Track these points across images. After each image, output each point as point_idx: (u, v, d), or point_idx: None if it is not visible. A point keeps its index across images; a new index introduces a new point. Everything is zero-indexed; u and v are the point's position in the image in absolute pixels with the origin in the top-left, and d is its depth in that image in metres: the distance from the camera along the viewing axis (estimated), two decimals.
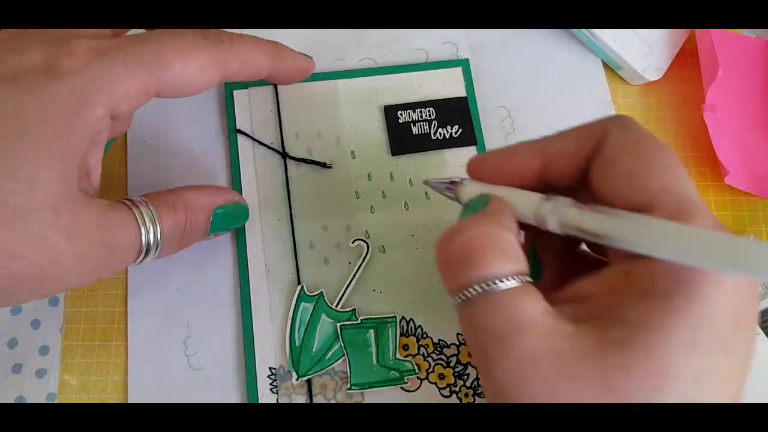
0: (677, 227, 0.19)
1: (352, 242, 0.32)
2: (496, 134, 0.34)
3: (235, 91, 0.34)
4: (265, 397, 0.30)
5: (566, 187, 0.24)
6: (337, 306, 0.31)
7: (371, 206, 0.33)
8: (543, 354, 0.20)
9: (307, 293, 0.31)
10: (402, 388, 0.30)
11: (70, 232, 0.23)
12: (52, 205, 0.22)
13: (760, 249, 0.16)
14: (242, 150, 0.33)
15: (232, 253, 0.32)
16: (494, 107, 0.35)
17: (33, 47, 0.23)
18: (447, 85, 0.35)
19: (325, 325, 0.31)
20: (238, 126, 0.33)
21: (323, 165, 0.33)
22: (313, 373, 0.30)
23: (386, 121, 0.34)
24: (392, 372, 0.30)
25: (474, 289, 0.21)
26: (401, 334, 0.31)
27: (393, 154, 0.33)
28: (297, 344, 0.30)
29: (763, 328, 0.27)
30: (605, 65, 0.36)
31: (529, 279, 0.21)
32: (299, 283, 0.31)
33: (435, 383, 0.30)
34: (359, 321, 0.31)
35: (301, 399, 0.30)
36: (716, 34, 0.35)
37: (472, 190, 0.25)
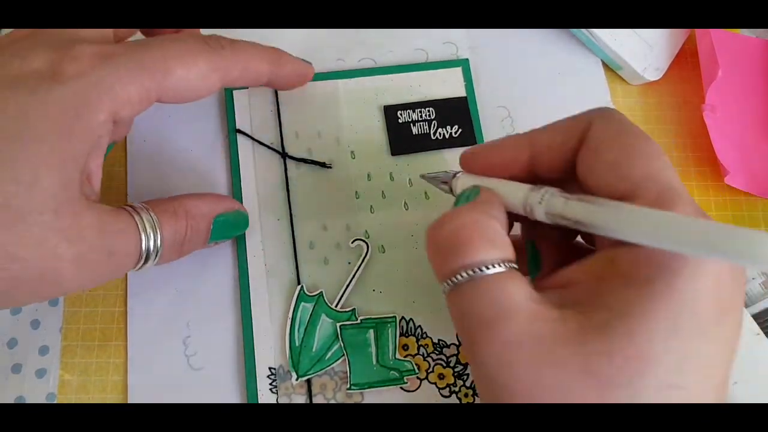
0: (657, 214, 0.19)
1: (352, 242, 0.32)
2: (495, 134, 0.34)
3: (235, 92, 0.34)
4: (265, 397, 0.30)
5: (555, 178, 0.24)
6: (336, 306, 0.31)
7: (371, 206, 0.33)
8: (527, 338, 0.20)
9: (307, 293, 0.31)
10: (402, 388, 0.30)
11: (70, 235, 0.23)
12: (52, 208, 0.22)
13: (739, 234, 0.17)
14: (242, 150, 0.33)
15: (231, 254, 0.32)
16: (494, 107, 0.35)
17: (37, 52, 0.23)
18: (447, 85, 0.35)
19: (324, 325, 0.31)
20: (238, 126, 0.33)
21: (323, 165, 0.33)
22: (312, 373, 0.30)
23: (386, 121, 0.34)
24: (392, 372, 0.30)
25: (461, 275, 0.21)
26: (401, 334, 0.31)
27: (393, 154, 0.33)
28: (297, 344, 0.30)
29: (762, 328, 0.27)
30: (605, 65, 0.36)
31: (514, 266, 0.22)
32: (299, 283, 0.31)
33: (435, 383, 0.30)
34: (359, 321, 0.31)
35: (300, 399, 0.30)
36: (716, 34, 0.35)
37: (464, 182, 0.26)
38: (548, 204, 0.22)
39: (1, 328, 0.31)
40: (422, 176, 0.29)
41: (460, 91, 0.35)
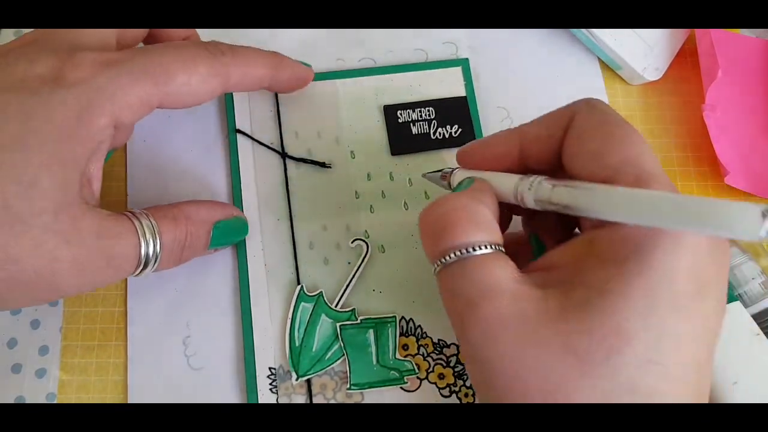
0: (634, 191, 0.20)
1: (352, 242, 0.32)
2: None
3: (234, 92, 0.34)
4: (265, 397, 0.30)
5: (546, 169, 0.25)
6: (336, 306, 0.31)
7: (371, 206, 0.33)
8: (511, 317, 0.21)
9: (307, 293, 0.31)
10: (402, 388, 0.30)
11: (69, 238, 0.23)
12: (52, 210, 0.22)
13: (714, 205, 0.17)
14: (242, 150, 0.33)
15: (231, 254, 0.32)
16: (494, 107, 0.35)
17: (41, 57, 0.24)
18: (446, 84, 0.35)
19: (324, 325, 0.31)
20: (238, 126, 0.33)
21: (323, 165, 0.33)
22: (312, 373, 0.30)
23: (386, 121, 0.34)
24: (392, 372, 0.30)
25: (450, 256, 0.23)
26: (401, 334, 0.31)
27: (393, 154, 0.33)
28: (297, 344, 0.30)
29: (762, 329, 0.27)
30: (605, 65, 0.36)
31: (501, 248, 0.23)
32: (299, 283, 0.31)
33: (435, 383, 0.30)
34: (359, 321, 0.31)
35: (300, 399, 0.30)
36: (716, 34, 0.35)
37: (461, 176, 0.27)
38: (536, 191, 0.23)
39: (1, 328, 0.31)
40: (423, 175, 0.30)
41: (459, 91, 0.35)
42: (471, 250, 0.22)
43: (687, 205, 0.18)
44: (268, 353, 0.30)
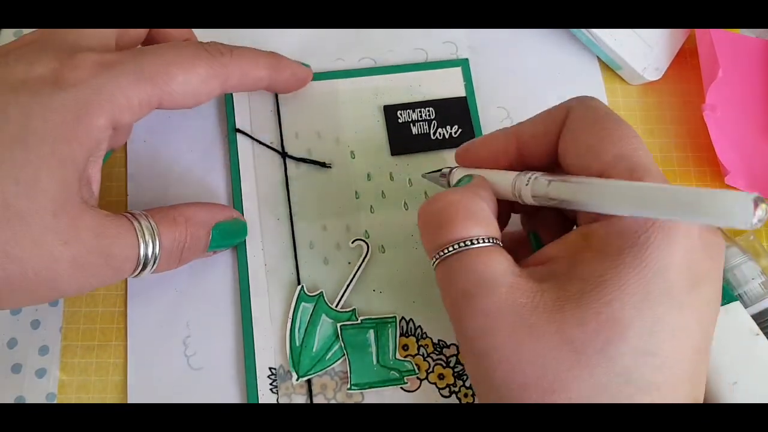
0: (627, 183, 0.20)
1: (352, 242, 0.32)
2: None
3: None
4: (265, 397, 0.30)
5: (543, 166, 0.25)
6: (336, 306, 0.31)
7: (371, 206, 0.33)
8: (507, 309, 0.21)
9: (307, 293, 0.31)
10: (402, 388, 0.30)
11: (68, 238, 0.23)
12: (51, 209, 0.23)
13: (705, 194, 0.18)
14: (242, 149, 0.33)
15: (231, 254, 0.32)
16: (494, 107, 0.35)
17: (41, 58, 0.24)
18: (446, 85, 0.35)
19: (325, 326, 0.31)
20: (238, 125, 0.33)
21: (323, 165, 0.33)
22: (313, 373, 0.30)
23: (386, 121, 0.34)
24: (392, 372, 0.30)
25: (448, 249, 0.23)
26: (401, 335, 0.31)
27: (392, 154, 0.33)
28: (297, 344, 0.30)
29: (762, 329, 0.27)
30: (605, 65, 0.36)
31: (499, 242, 0.24)
32: (299, 283, 0.31)
33: (435, 383, 0.30)
34: (359, 321, 0.31)
35: (301, 399, 0.30)
36: (716, 34, 0.35)
37: (460, 174, 0.27)
38: (534, 186, 0.23)
39: (1, 328, 0.31)
40: (423, 175, 0.31)
41: (459, 91, 0.35)
42: (469, 243, 0.23)
43: (681, 195, 0.18)
44: (269, 353, 0.30)
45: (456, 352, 0.31)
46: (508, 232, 0.30)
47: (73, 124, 0.23)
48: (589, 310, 0.20)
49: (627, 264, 0.21)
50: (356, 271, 0.31)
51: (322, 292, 0.31)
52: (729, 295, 0.27)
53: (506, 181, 0.25)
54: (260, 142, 0.33)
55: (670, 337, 0.20)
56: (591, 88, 0.36)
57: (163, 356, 0.30)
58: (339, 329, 0.30)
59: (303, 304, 0.31)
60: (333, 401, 0.30)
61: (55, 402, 0.30)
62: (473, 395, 0.30)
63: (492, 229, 0.24)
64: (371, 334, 0.30)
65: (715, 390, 0.25)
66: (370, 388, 0.30)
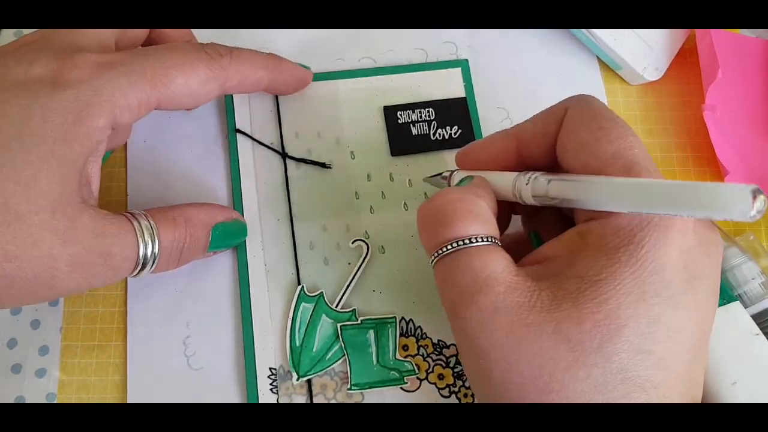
0: (624, 180, 0.21)
1: (352, 243, 0.32)
2: None
3: None
4: (265, 397, 0.30)
5: (543, 166, 0.25)
6: (337, 306, 0.31)
7: (371, 207, 0.33)
8: (504, 307, 0.21)
9: (308, 293, 0.31)
10: (402, 388, 0.30)
11: (66, 237, 0.23)
12: (49, 209, 0.23)
13: (700, 188, 0.18)
14: (242, 150, 0.33)
15: (231, 254, 0.32)
16: (493, 108, 0.35)
17: (40, 58, 0.24)
18: (446, 85, 0.35)
19: (325, 326, 0.31)
20: (238, 126, 0.33)
21: (323, 165, 0.33)
22: (313, 374, 0.30)
23: (386, 122, 0.34)
24: (392, 372, 0.30)
25: (447, 247, 0.23)
26: (401, 335, 0.31)
27: (392, 155, 0.33)
28: (297, 344, 0.30)
29: (762, 329, 0.27)
30: (605, 65, 0.36)
31: (497, 242, 0.24)
32: (299, 284, 0.31)
33: (434, 383, 0.30)
34: (359, 321, 0.31)
35: (301, 399, 0.30)
36: (716, 34, 0.35)
37: (460, 176, 0.27)
38: (534, 186, 0.23)
39: (1, 328, 0.31)
40: (425, 179, 0.31)
41: (459, 92, 0.35)
42: (467, 241, 0.23)
43: (678, 189, 0.18)
44: (269, 353, 0.30)
45: (456, 353, 0.31)
46: (509, 233, 0.30)
47: (72, 124, 0.23)
48: (586, 309, 0.21)
49: (623, 263, 0.21)
50: (356, 272, 0.31)
51: (322, 292, 0.31)
52: (729, 295, 0.27)
53: (506, 181, 0.25)
54: (260, 143, 0.33)
55: (665, 337, 0.21)
56: (591, 88, 0.36)
57: (162, 356, 0.30)
58: (339, 329, 0.30)
59: (303, 304, 0.31)
60: (333, 401, 0.30)
61: (55, 402, 0.30)
62: (473, 395, 0.30)
63: (491, 228, 0.24)
64: (371, 334, 0.30)
65: (714, 390, 0.25)
66: (370, 388, 0.30)
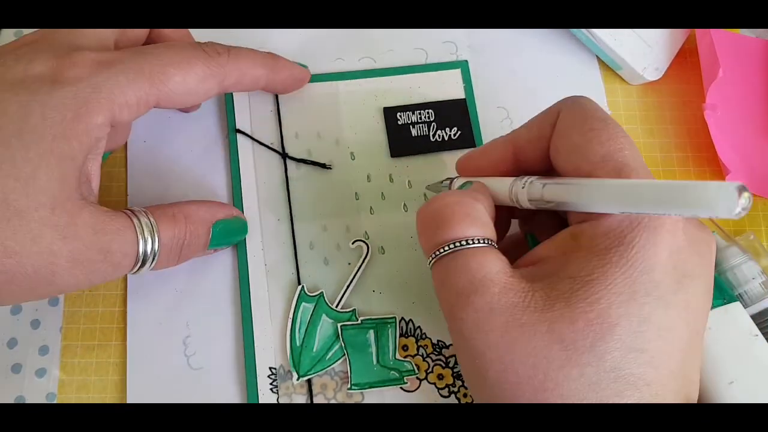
0: (614, 182, 0.21)
1: (352, 243, 0.32)
2: (494, 135, 0.34)
3: (234, 92, 0.34)
4: (266, 396, 0.30)
5: (541, 171, 0.25)
6: (337, 306, 0.31)
7: (371, 207, 0.33)
8: (500, 307, 0.22)
9: (308, 293, 0.31)
10: (402, 388, 0.30)
11: (66, 233, 0.23)
12: (49, 205, 0.23)
13: (688, 187, 0.18)
14: (242, 150, 0.33)
15: (231, 254, 0.32)
16: (493, 107, 0.35)
17: (40, 57, 0.24)
18: (446, 87, 0.35)
19: (325, 326, 0.31)
20: (238, 126, 0.33)
21: (323, 166, 0.33)
22: (313, 373, 0.30)
23: (386, 123, 0.34)
24: (392, 372, 0.30)
25: (444, 249, 0.24)
26: (401, 335, 0.31)
27: (392, 156, 0.33)
28: (297, 344, 0.30)
29: (762, 328, 0.27)
30: (605, 65, 0.36)
31: (494, 244, 0.24)
32: (299, 284, 0.31)
33: (434, 383, 0.30)
34: (359, 321, 0.31)
35: (301, 399, 0.30)
36: (716, 34, 0.35)
37: (460, 183, 0.28)
38: (529, 190, 0.24)
39: (1, 327, 0.31)
40: (427, 187, 0.32)
41: (459, 93, 0.35)
42: (464, 243, 0.23)
43: (664, 189, 0.19)
44: (269, 353, 0.30)
45: (455, 353, 0.31)
46: (508, 235, 0.30)
47: (71, 121, 0.23)
48: (578, 309, 0.21)
49: (613, 263, 0.21)
50: (356, 272, 0.31)
51: (322, 292, 0.31)
52: (729, 295, 0.27)
53: (504, 186, 0.25)
54: (260, 143, 0.33)
55: (656, 336, 0.21)
56: (591, 88, 0.36)
57: (162, 356, 0.30)
58: (339, 329, 0.30)
59: (303, 304, 0.31)
60: (333, 401, 0.30)
61: (55, 402, 0.30)
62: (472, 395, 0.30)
63: (488, 230, 0.24)
64: (371, 334, 0.30)
65: (711, 389, 0.26)
66: (370, 388, 0.30)
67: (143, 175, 0.33)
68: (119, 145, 0.33)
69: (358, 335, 0.30)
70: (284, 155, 0.33)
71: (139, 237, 0.25)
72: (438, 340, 0.31)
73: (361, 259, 0.32)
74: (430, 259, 0.24)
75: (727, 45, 0.35)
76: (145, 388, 0.30)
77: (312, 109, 0.34)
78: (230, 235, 0.30)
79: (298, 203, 0.33)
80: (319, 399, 0.30)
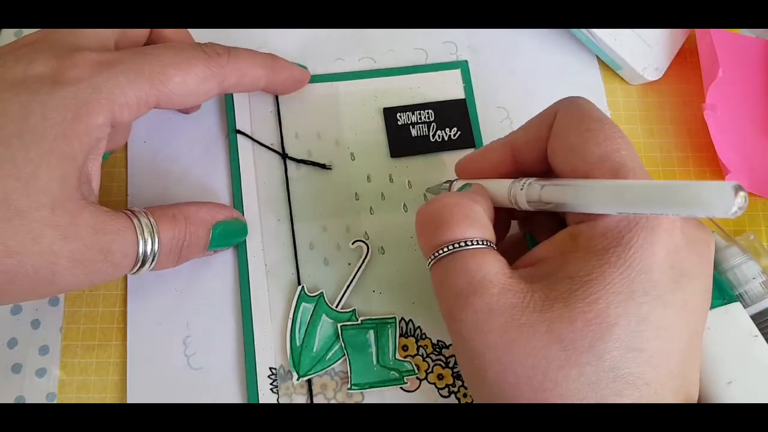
0: (611, 182, 0.21)
1: (352, 243, 0.32)
2: (494, 135, 0.34)
3: (235, 93, 0.34)
4: (266, 396, 0.30)
5: (540, 172, 0.25)
6: (337, 306, 0.31)
7: (371, 207, 0.33)
8: (499, 308, 0.22)
9: (308, 294, 0.31)
10: (401, 388, 0.30)
11: (67, 233, 0.23)
12: (50, 205, 0.23)
13: (682, 186, 0.18)
14: (242, 150, 0.33)
15: (232, 254, 0.32)
16: (493, 107, 0.35)
17: (40, 57, 0.24)
18: (446, 87, 0.35)
19: (325, 326, 0.31)
20: (238, 127, 0.33)
21: (323, 166, 0.33)
22: (313, 373, 0.30)
23: (385, 123, 0.34)
24: (392, 372, 0.30)
25: (443, 250, 0.24)
26: (401, 335, 0.31)
27: (392, 156, 0.33)
28: (297, 344, 0.30)
29: (762, 328, 0.27)
30: (605, 65, 0.36)
31: (493, 245, 0.24)
32: (299, 284, 0.31)
33: (434, 383, 0.30)
34: (359, 321, 0.31)
35: (301, 399, 0.30)
36: (716, 34, 0.35)
37: (459, 185, 0.28)
38: (528, 191, 0.24)
39: (1, 327, 0.31)
40: (427, 190, 0.32)
41: (459, 93, 0.35)
42: (463, 244, 0.23)
43: (661, 189, 0.19)
44: (269, 353, 0.30)
45: (454, 353, 0.31)
46: (508, 236, 0.30)
47: (72, 121, 0.23)
48: (577, 309, 0.21)
49: (611, 263, 0.21)
50: (356, 272, 0.31)
51: (322, 292, 0.31)
52: (729, 294, 0.27)
53: (503, 188, 0.25)
54: (260, 144, 0.33)
55: (655, 335, 0.21)
56: (591, 88, 0.36)
57: (163, 356, 0.30)
58: (339, 329, 0.30)
59: (303, 304, 0.31)
60: (333, 401, 0.30)
61: (55, 402, 0.30)
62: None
63: (487, 231, 0.24)
64: (371, 334, 0.30)
65: (710, 389, 0.26)
66: (370, 388, 0.30)
67: (143, 175, 0.33)
68: (119, 146, 0.33)
69: (358, 335, 0.30)
70: (284, 156, 0.33)
71: (139, 237, 0.25)
72: (438, 340, 0.31)
73: (361, 260, 0.32)
74: (430, 260, 0.24)
75: (727, 45, 0.35)
76: (145, 388, 0.30)
77: (312, 109, 0.34)
78: (230, 236, 0.30)
79: (298, 203, 0.33)
80: (319, 399, 0.30)
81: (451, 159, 0.33)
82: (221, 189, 0.33)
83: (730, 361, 0.26)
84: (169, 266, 0.28)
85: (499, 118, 0.35)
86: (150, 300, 0.31)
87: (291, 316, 0.31)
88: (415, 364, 0.30)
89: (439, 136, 0.34)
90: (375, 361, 0.30)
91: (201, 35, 0.32)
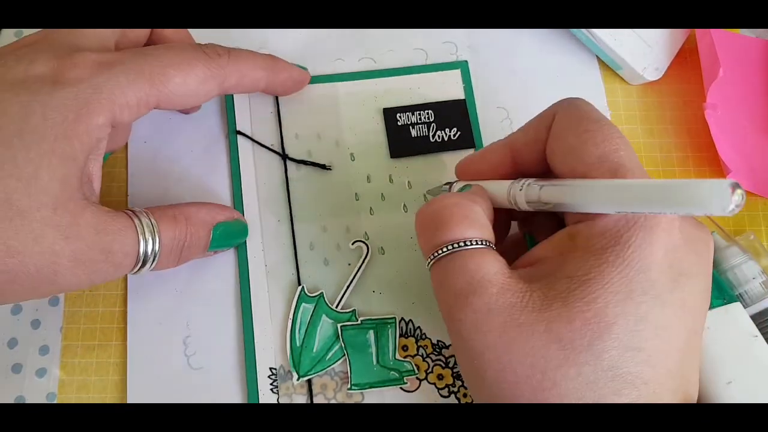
0: (609, 182, 0.21)
1: (352, 244, 0.32)
2: (494, 135, 0.34)
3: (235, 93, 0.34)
4: (266, 396, 0.30)
5: (539, 173, 0.26)
6: (337, 307, 0.31)
7: (370, 208, 0.33)
8: (498, 308, 0.22)
9: (308, 294, 0.31)
10: (401, 388, 0.30)
11: (68, 233, 0.23)
12: (51, 205, 0.23)
13: (680, 185, 0.18)
14: (242, 151, 0.33)
15: (232, 254, 0.32)
16: (493, 107, 0.35)
17: (41, 57, 0.24)
18: (446, 87, 0.35)
19: (325, 326, 0.31)
20: (239, 127, 0.33)
21: (323, 167, 0.33)
22: (313, 374, 0.30)
23: (385, 124, 0.34)
24: (392, 372, 0.30)
25: (442, 250, 0.24)
26: (400, 335, 0.31)
27: (392, 157, 0.33)
28: (298, 344, 0.30)
29: (762, 328, 0.27)
30: (605, 65, 0.36)
31: (492, 246, 0.24)
32: (299, 284, 0.31)
33: (434, 384, 0.30)
34: (359, 322, 0.31)
35: (301, 399, 0.30)
36: (716, 34, 0.35)
37: (459, 186, 0.28)
38: (527, 192, 0.24)
39: (1, 327, 0.31)
40: (428, 192, 0.32)
41: (458, 94, 0.35)
42: (463, 244, 0.23)
43: (658, 188, 0.19)
44: (269, 353, 0.30)
45: (454, 353, 0.31)
46: (508, 236, 0.30)
47: (72, 122, 0.23)
48: (576, 308, 0.21)
49: (610, 263, 0.21)
50: (356, 272, 0.31)
51: (322, 292, 0.31)
52: (729, 294, 0.27)
53: (502, 189, 0.25)
54: (261, 144, 0.33)
55: (653, 335, 0.21)
56: (591, 88, 0.36)
57: (163, 356, 0.30)
58: (339, 330, 0.30)
59: (303, 304, 0.31)
60: (333, 401, 0.30)
61: (55, 402, 0.30)
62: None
63: (486, 232, 0.24)
64: (371, 334, 0.30)
65: (709, 389, 0.26)
66: (370, 388, 0.30)
67: (144, 175, 0.33)
68: (120, 146, 0.33)
69: (358, 335, 0.30)
70: (284, 156, 0.33)
71: (140, 237, 0.26)
72: (438, 341, 0.31)
73: (361, 260, 0.32)
74: (429, 260, 0.24)
75: (727, 45, 0.35)
76: (146, 388, 0.30)
77: (312, 110, 0.34)
78: (230, 237, 0.30)
79: (298, 204, 0.33)
80: (319, 399, 0.30)
81: (451, 159, 0.33)
82: (221, 189, 0.33)
83: (729, 361, 0.26)
84: (169, 266, 0.28)
85: (499, 119, 0.35)
86: (150, 300, 0.31)
87: (291, 316, 0.31)
88: (415, 364, 0.30)
89: (439, 136, 0.34)
90: (375, 362, 0.30)
91: (201, 35, 0.32)
